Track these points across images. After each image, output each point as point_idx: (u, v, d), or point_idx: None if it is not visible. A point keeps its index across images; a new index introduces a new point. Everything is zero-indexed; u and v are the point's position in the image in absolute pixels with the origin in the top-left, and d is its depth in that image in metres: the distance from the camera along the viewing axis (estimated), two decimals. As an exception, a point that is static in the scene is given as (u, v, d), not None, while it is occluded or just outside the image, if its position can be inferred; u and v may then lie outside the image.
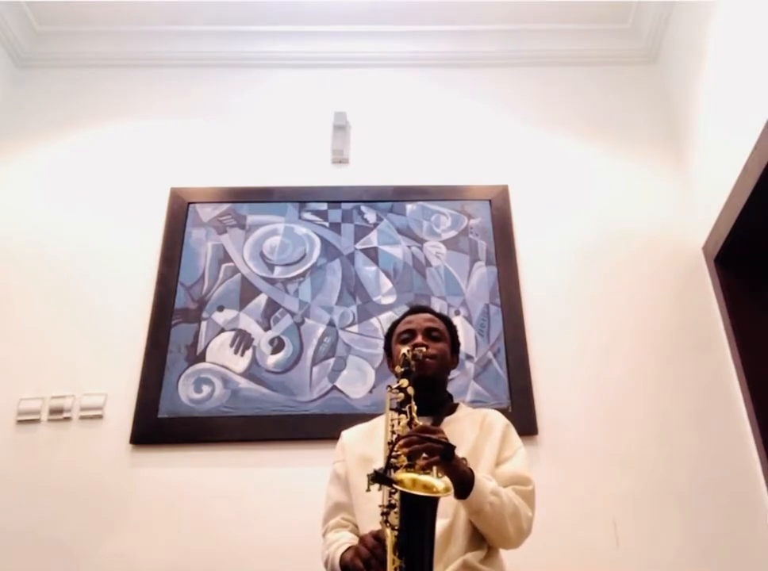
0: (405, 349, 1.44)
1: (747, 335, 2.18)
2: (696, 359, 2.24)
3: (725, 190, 2.21)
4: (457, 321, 2.25)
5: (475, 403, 2.09)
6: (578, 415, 2.15)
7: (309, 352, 2.24)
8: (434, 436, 1.21)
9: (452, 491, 1.15)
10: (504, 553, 1.40)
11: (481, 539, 1.34)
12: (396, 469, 1.17)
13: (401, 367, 1.39)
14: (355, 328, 2.29)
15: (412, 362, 1.40)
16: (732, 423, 2.14)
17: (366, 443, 1.51)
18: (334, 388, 2.18)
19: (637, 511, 2.01)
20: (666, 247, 2.45)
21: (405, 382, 1.35)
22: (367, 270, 2.40)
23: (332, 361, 2.23)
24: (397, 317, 1.71)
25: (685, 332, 2.29)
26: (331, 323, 2.29)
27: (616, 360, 2.24)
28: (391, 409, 1.35)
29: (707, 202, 2.37)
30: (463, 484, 1.25)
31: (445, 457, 1.20)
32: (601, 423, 2.14)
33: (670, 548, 1.96)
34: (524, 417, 2.08)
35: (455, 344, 1.64)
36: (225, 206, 2.52)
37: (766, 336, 2.18)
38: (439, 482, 1.13)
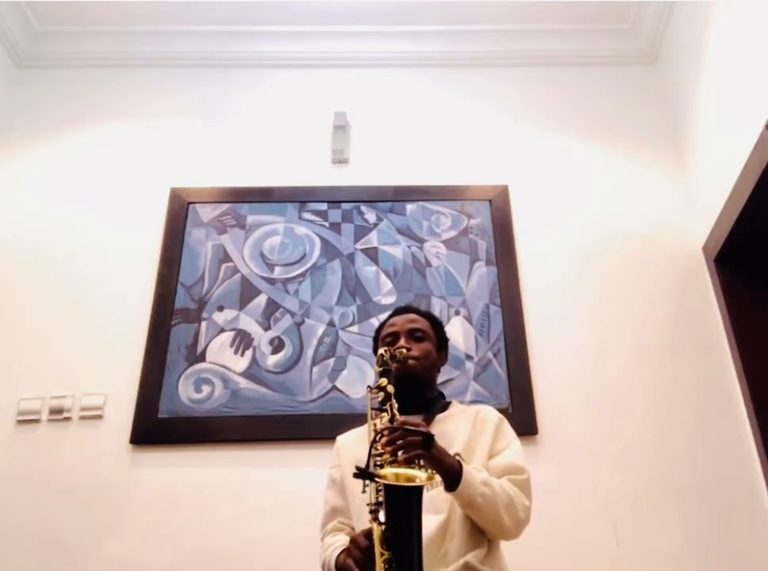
0: (382, 349, 1.46)
1: (747, 334, 2.18)
2: (696, 359, 2.24)
3: (725, 190, 2.20)
4: (457, 321, 2.27)
5: (475, 403, 2.09)
6: (578, 415, 2.15)
7: (309, 352, 2.24)
8: (411, 428, 1.22)
9: (435, 480, 1.16)
10: (503, 551, 1.40)
11: (481, 535, 1.33)
12: (381, 466, 1.18)
13: (379, 367, 1.41)
14: (355, 328, 2.29)
15: (390, 362, 1.41)
16: (732, 422, 2.14)
17: (361, 446, 1.50)
18: (334, 388, 2.18)
19: (637, 510, 2.01)
20: (666, 247, 2.46)
21: (383, 381, 1.36)
22: (367, 270, 2.40)
23: (332, 361, 2.23)
24: None
25: (685, 332, 2.29)
26: (331, 323, 2.29)
27: (616, 360, 2.24)
28: (373, 409, 1.37)
29: (707, 202, 2.37)
30: (450, 476, 1.24)
31: (425, 447, 1.20)
32: (601, 423, 2.14)
33: (670, 547, 1.96)
34: (523, 417, 2.08)
35: (441, 341, 1.64)
36: (225, 206, 2.52)
37: (766, 336, 2.18)
38: (421, 473, 1.14)
